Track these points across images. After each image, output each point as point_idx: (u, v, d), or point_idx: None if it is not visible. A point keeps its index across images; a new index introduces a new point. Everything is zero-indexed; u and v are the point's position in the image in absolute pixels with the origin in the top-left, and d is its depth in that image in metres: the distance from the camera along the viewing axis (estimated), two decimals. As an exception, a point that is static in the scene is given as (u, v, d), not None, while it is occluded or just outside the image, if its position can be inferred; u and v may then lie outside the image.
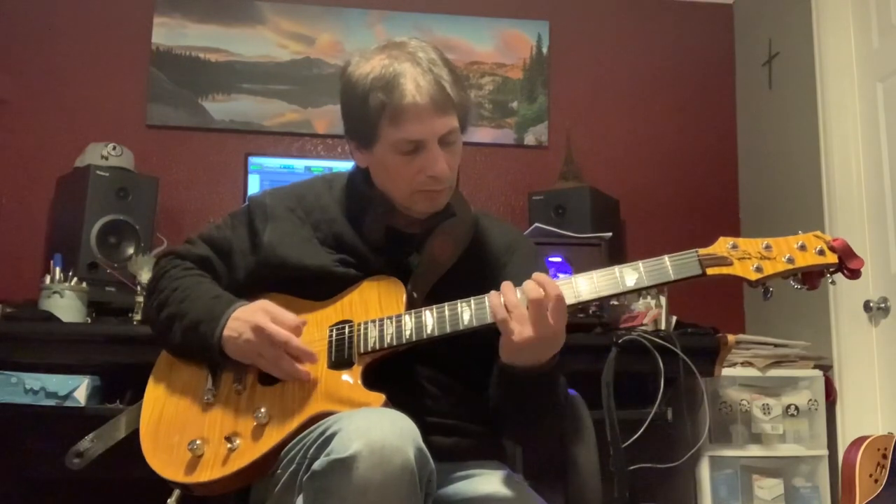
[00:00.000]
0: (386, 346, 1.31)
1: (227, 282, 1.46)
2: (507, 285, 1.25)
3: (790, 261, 1.25)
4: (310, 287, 1.40)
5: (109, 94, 3.19)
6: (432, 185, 1.37)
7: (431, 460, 1.13)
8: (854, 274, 1.26)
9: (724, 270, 1.26)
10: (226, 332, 1.32)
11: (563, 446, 1.51)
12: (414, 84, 1.31)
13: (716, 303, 3.11)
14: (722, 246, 1.27)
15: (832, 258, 1.26)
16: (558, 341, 1.25)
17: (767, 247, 1.27)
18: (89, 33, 3.21)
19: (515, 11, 3.47)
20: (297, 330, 1.30)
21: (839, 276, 1.29)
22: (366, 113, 1.34)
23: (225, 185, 3.18)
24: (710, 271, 1.25)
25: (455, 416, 1.38)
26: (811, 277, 1.28)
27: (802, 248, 1.26)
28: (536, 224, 2.78)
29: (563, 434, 1.51)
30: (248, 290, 1.43)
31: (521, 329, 1.21)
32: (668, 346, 2.38)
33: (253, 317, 1.30)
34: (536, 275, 1.24)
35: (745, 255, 1.26)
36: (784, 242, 1.27)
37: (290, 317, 1.31)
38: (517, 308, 1.22)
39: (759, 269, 1.25)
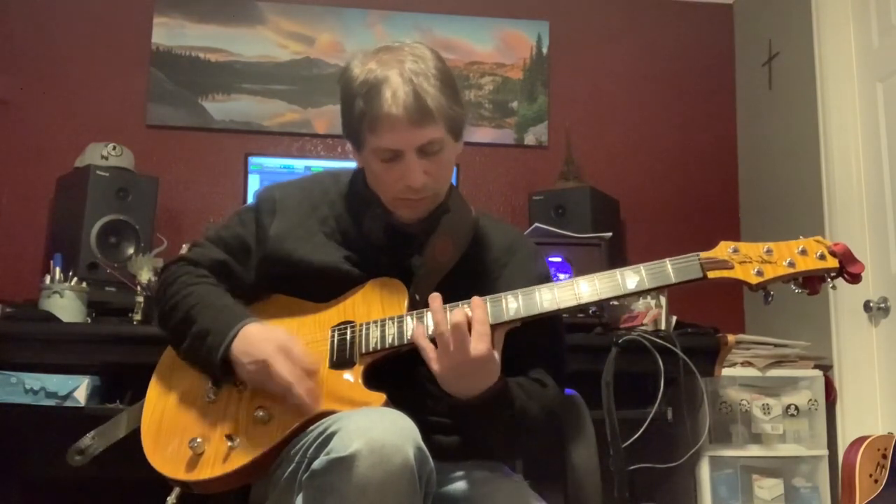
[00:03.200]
0: (388, 346, 1.31)
1: (245, 280, 1.45)
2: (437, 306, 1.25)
3: (791, 265, 1.26)
4: (314, 285, 1.40)
5: (109, 94, 3.19)
6: (410, 195, 1.37)
7: (431, 459, 1.13)
8: (855, 279, 1.27)
9: (725, 274, 1.26)
10: (234, 353, 1.30)
11: (562, 446, 1.51)
12: (391, 94, 1.30)
13: (716, 303, 3.09)
14: (723, 250, 1.28)
15: (833, 263, 1.26)
16: (486, 370, 1.24)
17: (768, 251, 1.27)
18: (89, 33, 3.21)
19: (515, 11, 3.47)
20: (310, 371, 1.27)
21: (839, 281, 1.29)
22: (352, 117, 1.35)
23: (225, 185, 3.18)
24: (711, 275, 1.26)
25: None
26: (812, 282, 1.29)
27: (803, 252, 1.27)
28: (536, 224, 2.78)
29: (562, 435, 1.51)
30: (262, 290, 1.44)
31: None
32: (668, 346, 2.38)
33: (263, 350, 1.27)
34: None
35: (746, 259, 1.27)
36: (785, 247, 1.28)
37: (305, 356, 1.27)
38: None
39: (759, 273, 1.26)
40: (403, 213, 1.42)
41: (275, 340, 1.28)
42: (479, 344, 1.21)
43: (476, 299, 1.26)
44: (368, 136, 1.34)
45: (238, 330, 1.31)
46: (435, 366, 1.24)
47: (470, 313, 1.23)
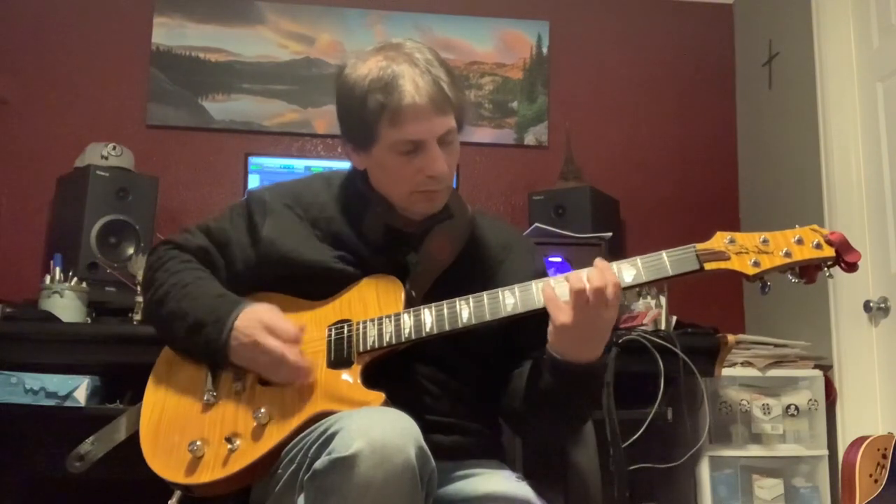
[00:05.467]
0: (385, 344, 1.31)
1: (226, 274, 1.45)
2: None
3: (787, 255, 1.25)
4: (308, 284, 1.40)
5: (109, 94, 3.19)
6: (431, 185, 1.37)
7: (432, 459, 1.13)
8: (851, 267, 1.26)
9: (722, 265, 1.26)
10: (231, 343, 1.31)
11: (562, 446, 1.51)
12: (413, 85, 1.30)
13: (716, 303, 3.11)
14: (719, 241, 1.28)
15: (829, 251, 1.26)
16: (607, 337, 1.25)
17: (765, 241, 1.27)
18: (89, 33, 3.22)
19: (515, 11, 3.47)
20: (295, 339, 1.30)
21: (837, 272, 1.28)
22: (364, 115, 1.33)
23: (225, 185, 3.18)
24: (707, 266, 1.26)
25: (454, 415, 1.38)
26: (809, 271, 1.28)
27: (799, 241, 1.26)
28: (536, 224, 2.78)
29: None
30: (247, 287, 1.43)
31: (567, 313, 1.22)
32: (668, 346, 2.38)
33: (251, 330, 1.30)
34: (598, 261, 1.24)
35: (742, 250, 1.27)
36: (781, 236, 1.28)
37: (288, 327, 1.30)
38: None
39: (756, 264, 1.25)
40: (421, 207, 1.41)
41: (258, 320, 1.31)
42: (612, 309, 1.22)
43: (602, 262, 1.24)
44: (387, 131, 1.33)
45: (233, 320, 1.32)
46: (565, 318, 1.22)
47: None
